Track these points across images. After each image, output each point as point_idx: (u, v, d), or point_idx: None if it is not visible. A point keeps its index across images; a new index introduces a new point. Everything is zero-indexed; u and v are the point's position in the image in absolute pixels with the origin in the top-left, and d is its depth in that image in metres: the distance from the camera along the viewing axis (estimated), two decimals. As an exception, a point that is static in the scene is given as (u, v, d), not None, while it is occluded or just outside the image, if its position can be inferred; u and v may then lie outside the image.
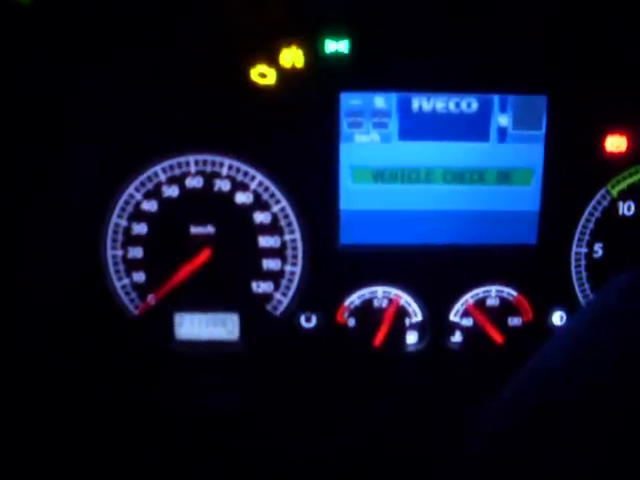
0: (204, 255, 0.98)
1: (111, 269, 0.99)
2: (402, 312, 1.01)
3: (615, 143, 0.99)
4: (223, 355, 1.01)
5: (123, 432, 0.95)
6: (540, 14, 0.95)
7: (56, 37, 0.90)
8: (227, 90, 0.96)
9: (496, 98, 0.98)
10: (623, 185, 1.00)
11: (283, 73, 0.95)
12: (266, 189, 0.98)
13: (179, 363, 1.01)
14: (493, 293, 1.02)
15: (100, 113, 0.95)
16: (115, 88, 0.94)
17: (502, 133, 0.98)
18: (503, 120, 0.98)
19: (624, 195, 1.00)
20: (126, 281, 1.00)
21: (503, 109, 0.98)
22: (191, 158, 0.97)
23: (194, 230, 0.99)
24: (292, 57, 0.95)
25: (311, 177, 0.98)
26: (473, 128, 0.98)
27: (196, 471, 0.95)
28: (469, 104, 0.98)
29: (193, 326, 1.01)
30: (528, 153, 0.99)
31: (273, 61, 0.95)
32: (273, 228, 0.99)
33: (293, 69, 0.95)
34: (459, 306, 1.01)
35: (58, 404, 0.95)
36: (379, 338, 0.99)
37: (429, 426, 0.95)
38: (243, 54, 0.95)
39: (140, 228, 0.99)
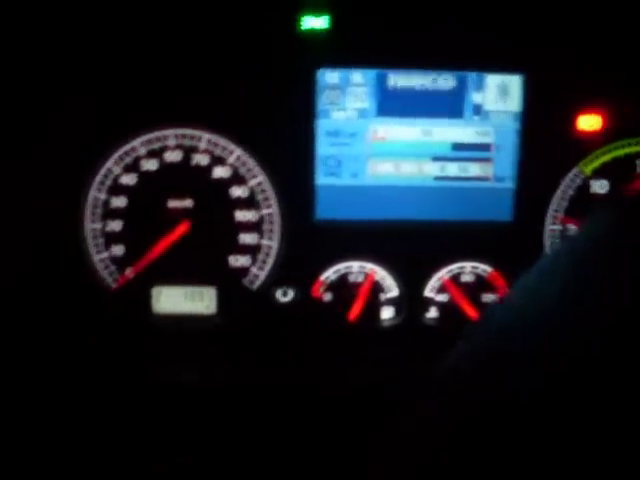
0: (182, 228, 0.99)
1: (90, 242, 1.00)
2: (377, 287, 1.02)
3: (589, 122, 1.00)
4: (200, 329, 1.02)
5: (101, 404, 0.96)
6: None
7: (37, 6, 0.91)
8: (206, 64, 0.96)
9: (472, 76, 0.99)
10: (596, 163, 1.01)
11: (261, 48, 0.96)
12: (244, 164, 0.99)
13: (156, 336, 1.02)
14: (468, 269, 1.03)
15: (80, 86, 0.96)
16: (94, 62, 0.95)
17: (477, 110, 1.00)
18: (478, 97, 0.99)
19: (598, 173, 1.02)
20: (105, 254, 1.01)
21: (479, 87, 0.99)
22: (170, 132, 0.98)
23: (172, 204, 0.99)
24: (270, 32, 0.96)
25: (288, 152, 0.99)
26: (448, 105, 0.99)
27: (173, 444, 0.96)
28: (445, 81, 0.99)
29: (170, 300, 1.02)
30: (503, 130, 1.00)
31: (252, 37, 0.96)
32: (250, 202, 1.00)
33: (271, 44, 0.96)
34: (434, 282, 1.03)
35: (36, 378, 0.95)
36: (354, 313, 1.00)
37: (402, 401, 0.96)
38: (224, 29, 0.96)
39: (119, 201, 0.99)
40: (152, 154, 0.98)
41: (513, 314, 0.52)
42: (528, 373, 0.45)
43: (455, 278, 1.03)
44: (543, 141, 1.00)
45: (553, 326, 0.47)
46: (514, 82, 0.99)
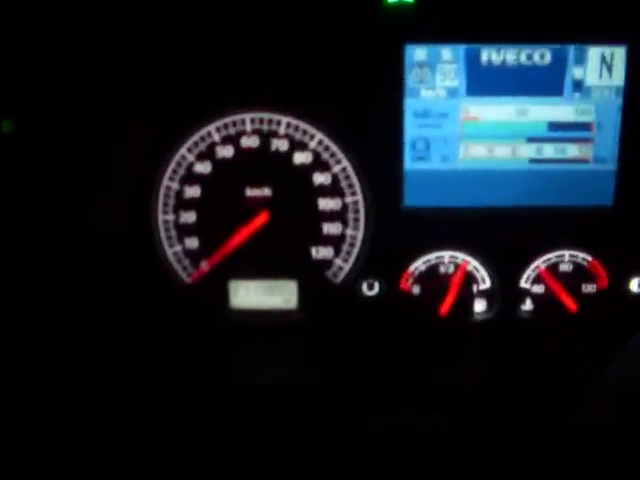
0: (261, 218, 0.93)
1: (162, 235, 0.95)
2: (470, 278, 0.96)
3: (699, 96, 0.92)
4: (281, 324, 0.96)
5: (178, 400, 0.91)
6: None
7: None
8: (284, 41, 0.90)
9: (571, 49, 0.91)
10: None
11: (345, 24, 0.90)
12: (326, 148, 0.92)
13: (235, 332, 0.96)
14: (566, 258, 0.96)
15: (151, 70, 0.90)
16: (166, 43, 0.89)
17: (577, 86, 0.92)
18: (579, 72, 0.92)
19: None
20: (178, 247, 0.95)
21: (579, 61, 0.92)
22: (247, 116, 0.92)
23: (250, 192, 0.93)
24: (355, 6, 0.89)
25: (374, 135, 0.92)
26: (546, 81, 0.92)
27: (251, 441, 0.91)
28: (542, 56, 0.91)
29: (249, 294, 0.96)
30: (605, 107, 0.93)
31: (336, 11, 0.89)
32: (333, 190, 0.93)
33: (356, 19, 0.89)
34: (530, 272, 0.96)
35: (112, 372, 0.91)
36: (446, 306, 0.94)
37: (500, 399, 0.90)
38: (305, 4, 0.89)
39: (193, 191, 0.94)
40: (228, 140, 0.92)
41: None
42: None
43: (553, 268, 0.96)
44: (649, 118, 0.92)
45: None
46: (618, 54, 0.91)
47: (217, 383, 0.93)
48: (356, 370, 0.94)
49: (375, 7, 0.89)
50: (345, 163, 0.93)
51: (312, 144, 0.92)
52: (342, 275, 0.95)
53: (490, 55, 0.91)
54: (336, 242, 0.95)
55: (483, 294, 0.96)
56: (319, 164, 0.93)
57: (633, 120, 0.92)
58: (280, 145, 0.92)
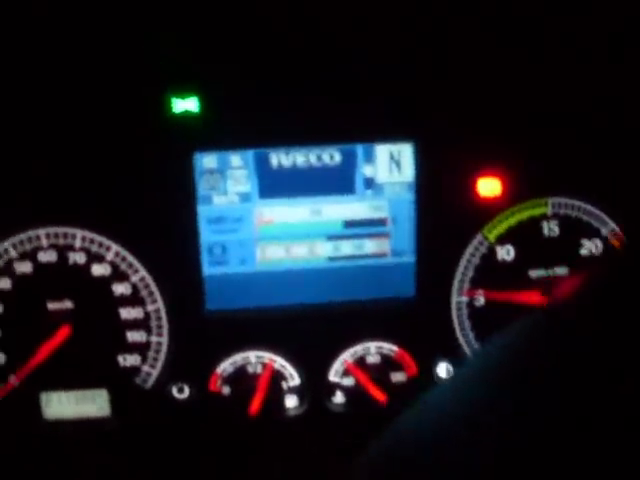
0: (63, 332, 0.93)
1: (-32, 352, 0.94)
2: (278, 376, 0.97)
3: (488, 186, 0.94)
4: (95, 433, 0.97)
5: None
6: (400, 59, 0.90)
7: None
8: (74, 157, 0.90)
9: (360, 148, 0.93)
10: (500, 229, 0.95)
11: (132, 136, 0.90)
12: (123, 259, 0.93)
13: (50, 445, 0.96)
14: (373, 350, 0.97)
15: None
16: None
17: (369, 184, 0.94)
18: (369, 170, 0.93)
19: (502, 239, 0.96)
20: (-15, 363, 0.95)
21: (368, 159, 0.93)
22: (42, 231, 0.92)
23: (51, 306, 0.93)
24: (140, 118, 0.90)
25: (170, 244, 0.93)
26: (337, 181, 0.93)
27: None
28: (331, 156, 0.93)
29: (61, 405, 0.96)
30: (398, 203, 0.94)
31: (121, 124, 0.90)
32: (134, 299, 0.94)
33: (142, 131, 0.90)
34: (338, 365, 0.97)
35: None
36: (255, 405, 0.95)
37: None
38: (91, 119, 0.90)
39: (-5, 307, 0.94)
40: (25, 256, 0.92)
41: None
42: None
43: (360, 360, 0.97)
44: (441, 210, 0.94)
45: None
46: (405, 151, 0.93)
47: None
48: (171, 475, 0.95)
49: (162, 117, 0.90)
50: (143, 272, 0.93)
51: (109, 256, 0.93)
52: (151, 381, 0.96)
53: (279, 158, 0.92)
54: (142, 349, 0.95)
55: (293, 390, 0.98)
56: (118, 275, 0.93)
57: (426, 213, 0.94)
58: (77, 258, 0.93)
